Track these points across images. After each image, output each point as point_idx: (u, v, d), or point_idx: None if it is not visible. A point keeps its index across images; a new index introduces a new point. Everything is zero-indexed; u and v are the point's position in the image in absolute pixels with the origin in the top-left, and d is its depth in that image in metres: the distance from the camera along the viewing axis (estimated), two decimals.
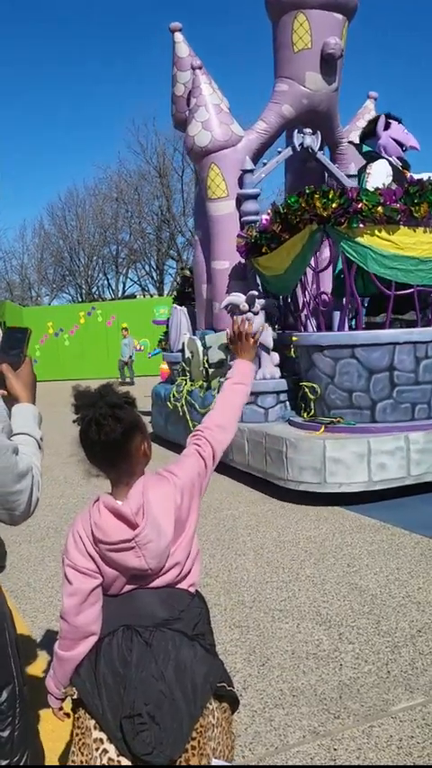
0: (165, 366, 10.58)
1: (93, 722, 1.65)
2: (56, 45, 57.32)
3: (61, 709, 1.83)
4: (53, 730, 2.55)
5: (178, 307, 9.16)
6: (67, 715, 1.83)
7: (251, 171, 7.67)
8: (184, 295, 10.02)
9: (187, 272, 10.23)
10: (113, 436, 1.67)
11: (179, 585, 1.75)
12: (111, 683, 1.63)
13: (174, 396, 8.27)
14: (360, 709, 2.69)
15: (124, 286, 41.98)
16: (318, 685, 2.88)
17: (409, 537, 4.76)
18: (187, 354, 8.20)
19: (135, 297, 38.44)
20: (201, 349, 7.77)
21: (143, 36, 56.39)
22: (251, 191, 7.69)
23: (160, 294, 37.16)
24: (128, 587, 1.72)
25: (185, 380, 8.16)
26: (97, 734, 1.64)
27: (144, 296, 38.42)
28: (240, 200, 7.70)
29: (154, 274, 39.18)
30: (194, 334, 8.52)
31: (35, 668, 3.12)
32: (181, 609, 1.73)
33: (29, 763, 1.71)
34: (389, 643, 3.23)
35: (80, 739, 1.67)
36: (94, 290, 42.64)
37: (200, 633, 1.75)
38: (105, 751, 1.62)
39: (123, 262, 40.67)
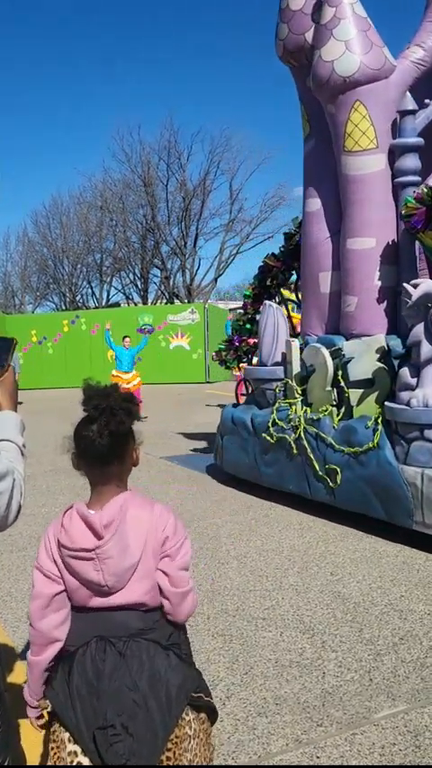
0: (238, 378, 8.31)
1: (67, 735, 1.63)
2: (45, 50, 57.42)
3: (40, 718, 1.81)
4: (37, 742, 2.52)
5: (273, 304, 6.79)
6: (46, 726, 1.81)
7: (413, 113, 5.39)
8: (264, 290, 7.87)
9: (270, 260, 7.71)
10: (122, 429, 1.67)
11: (146, 602, 1.72)
12: (85, 695, 1.61)
13: (278, 423, 5.96)
14: (343, 716, 2.70)
15: (108, 294, 41.98)
16: (301, 693, 2.89)
17: (392, 546, 4.79)
18: (295, 369, 6.11)
19: (119, 305, 38.40)
20: (330, 362, 5.63)
21: (130, 44, 56.65)
22: (413, 140, 5.38)
23: (144, 303, 37.18)
24: (94, 602, 1.69)
25: (294, 404, 6.00)
26: (72, 746, 1.62)
27: (128, 304, 38.41)
28: (395, 154, 5.50)
29: (138, 283, 39.21)
30: (303, 340, 6.38)
31: (16, 676, 3.09)
32: (155, 620, 1.72)
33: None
34: (371, 651, 3.25)
35: (55, 753, 1.66)
36: (78, 299, 42.55)
37: (174, 643, 1.73)
38: (80, 764, 1.60)
39: (108, 270, 40.68)
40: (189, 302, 31.09)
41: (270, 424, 6.01)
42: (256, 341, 7.36)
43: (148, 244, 36.63)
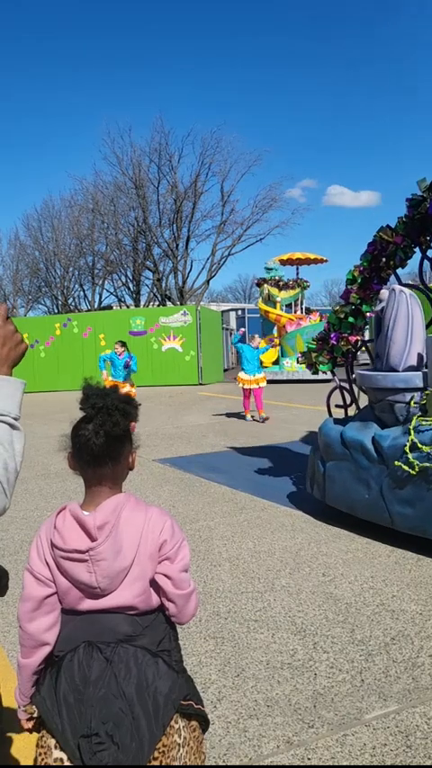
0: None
1: (53, 741, 1.61)
2: (36, 53, 57.29)
3: (30, 720, 1.80)
4: (26, 747, 2.52)
5: (405, 290, 5.26)
6: (37, 729, 1.80)
7: None
8: (376, 272, 5.81)
9: (385, 234, 5.65)
10: (116, 431, 1.66)
11: (137, 605, 1.70)
12: (71, 702, 1.59)
13: (420, 448, 4.54)
14: (334, 717, 2.71)
15: (100, 297, 41.94)
16: (292, 695, 2.89)
17: (384, 546, 4.80)
18: None
19: (111, 308, 38.37)
20: None
21: (121, 46, 56.63)
22: None
23: (137, 305, 37.14)
24: (84, 604, 1.68)
25: None
26: (58, 753, 1.60)
27: (120, 307, 38.37)
28: None
29: (130, 285, 39.18)
30: None
31: (5, 683, 3.08)
32: (145, 625, 1.70)
33: None
34: (363, 651, 3.25)
35: (42, 759, 1.64)
36: (70, 302, 42.51)
37: (165, 650, 1.72)
38: None
39: (99, 273, 40.66)
40: (181, 304, 31.09)
41: (407, 449, 4.61)
42: (358, 338, 6.16)
43: (139, 246, 36.60)
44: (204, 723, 1.80)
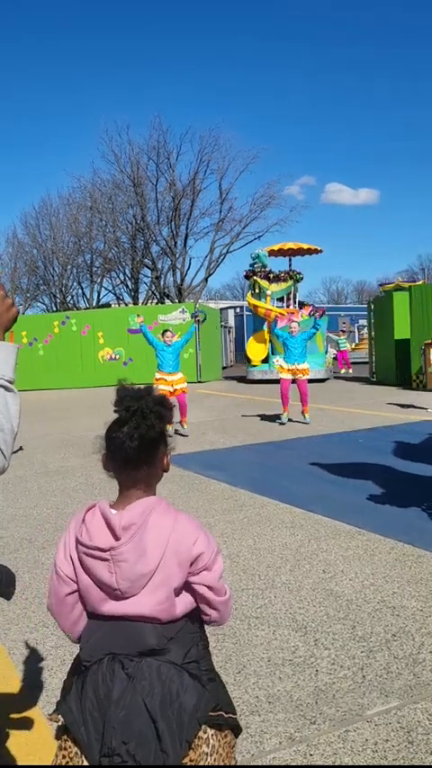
0: None
1: (77, 749, 1.60)
2: (34, 51, 57.14)
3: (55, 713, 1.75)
4: (26, 743, 2.52)
5: None
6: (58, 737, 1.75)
7: None
8: None
9: None
10: (151, 433, 1.65)
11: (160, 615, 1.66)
12: (97, 717, 1.57)
13: None
14: (336, 714, 2.71)
15: (99, 295, 41.88)
16: (294, 691, 2.89)
17: (384, 542, 4.81)
18: None
19: (110, 306, 38.33)
20: None
21: (119, 45, 56.48)
22: None
23: (135, 303, 37.12)
24: (106, 607, 1.65)
25: None
26: (82, 761, 1.59)
27: (119, 305, 38.34)
28: None
29: (129, 283, 39.16)
30: None
31: (5, 681, 3.08)
32: (170, 636, 1.66)
33: None
34: (364, 648, 3.25)
35: (67, 761, 1.61)
36: (68, 300, 42.46)
37: (192, 661, 1.67)
38: None
39: (98, 271, 40.61)
40: (180, 302, 31.06)
41: None
42: None
43: (138, 244, 36.59)
44: (236, 729, 1.77)
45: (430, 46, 79.45)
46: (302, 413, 10.73)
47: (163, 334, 10.06)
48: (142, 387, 1.76)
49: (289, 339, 10.91)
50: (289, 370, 10.82)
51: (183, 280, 34.99)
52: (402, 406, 13.09)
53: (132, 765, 1.51)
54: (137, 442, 1.65)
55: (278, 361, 10.92)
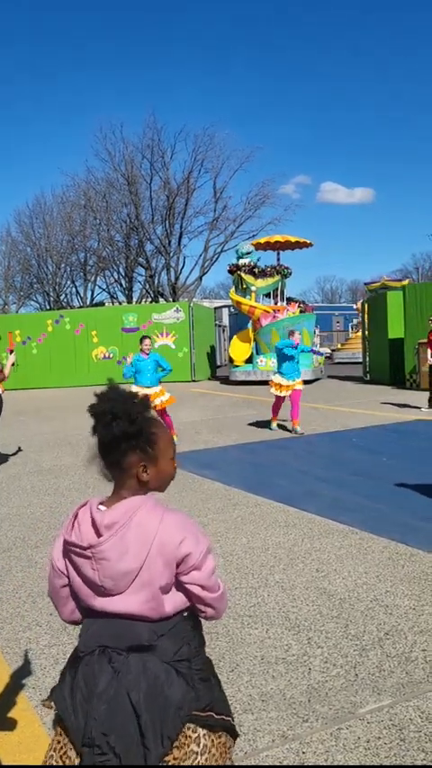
0: None
1: (67, 740, 1.62)
2: (28, 49, 56.99)
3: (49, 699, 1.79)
4: (20, 742, 2.52)
5: None
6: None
7: None
8: None
9: None
10: (108, 436, 1.64)
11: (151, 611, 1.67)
12: (86, 707, 1.59)
13: None
14: (328, 712, 2.72)
15: (93, 294, 41.82)
16: (287, 690, 2.90)
17: (377, 541, 4.82)
18: None
19: (104, 304, 38.27)
20: None
21: (113, 43, 56.38)
22: None
23: (129, 302, 37.07)
24: (97, 602, 1.66)
25: None
26: (71, 752, 1.61)
27: (113, 303, 38.28)
28: None
29: (123, 282, 39.11)
30: None
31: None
32: (161, 633, 1.66)
33: None
34: (357, 646, 3.26)
35: (63, 752, 1.63)
36: (62, 298, 42.37)
37: (183, 659, 1.67)
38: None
39: (92, 269, 40.55)
40: (174, 301, 31.05)
41: None
42: None
43: (132, 242, 36.53)
44: (231, 731, 1.76)
45: (427, 46, 79.65)
46: (293, 428, 10.14)
47: (141, 341, 9.42)
48: (129, 390, 1.75)
49: (291, 351, 10.18)
50: (287, 386, 10.26)
51: (177, 278, 35.00)
52: (397, 405, 13.12)
53: (116, 764, 1.52)
54: (106, 440, 1.66)
55: (275, 379, 10.22)
